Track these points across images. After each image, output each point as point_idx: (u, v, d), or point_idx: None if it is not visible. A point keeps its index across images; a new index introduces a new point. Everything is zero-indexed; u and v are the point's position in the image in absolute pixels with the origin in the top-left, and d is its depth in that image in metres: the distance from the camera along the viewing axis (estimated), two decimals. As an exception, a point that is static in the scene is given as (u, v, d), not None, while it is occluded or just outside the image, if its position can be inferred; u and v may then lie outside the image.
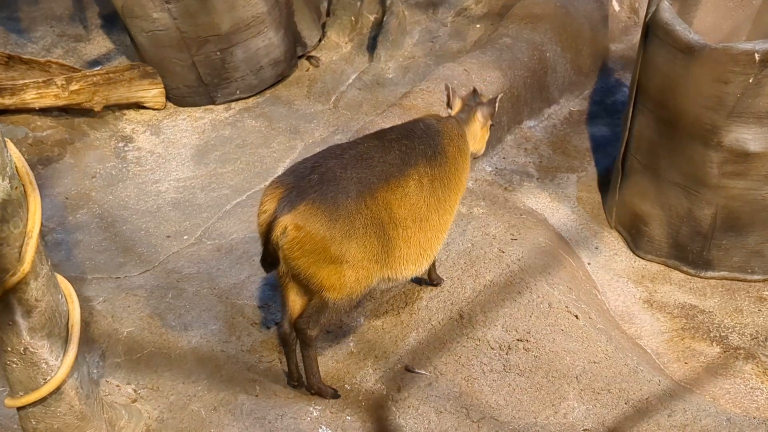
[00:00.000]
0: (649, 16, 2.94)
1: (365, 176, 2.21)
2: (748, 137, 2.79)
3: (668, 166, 3.01)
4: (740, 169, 2.85)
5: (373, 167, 2.23)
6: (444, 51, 4.24)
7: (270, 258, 2.14)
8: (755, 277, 3.08)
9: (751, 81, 2.67)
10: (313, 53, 4.27)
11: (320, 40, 4.33)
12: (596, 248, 3.26)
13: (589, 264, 3.18)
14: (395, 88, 4.03)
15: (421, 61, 4.16)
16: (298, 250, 2.12)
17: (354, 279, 2.22)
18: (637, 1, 4.38)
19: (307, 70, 4.18)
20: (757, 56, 2.63)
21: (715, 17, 3.26)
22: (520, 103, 3.73)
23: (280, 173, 2.28)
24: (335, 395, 2.39)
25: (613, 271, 3.16)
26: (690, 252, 3.11)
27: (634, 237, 3.27)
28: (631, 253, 3.25)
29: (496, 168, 3.55)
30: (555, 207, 3.41)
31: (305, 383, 2.39)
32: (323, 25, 4.40)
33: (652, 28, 2.92)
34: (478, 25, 4.33)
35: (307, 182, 2.14)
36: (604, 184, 3.49)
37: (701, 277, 3.11)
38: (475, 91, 2.66)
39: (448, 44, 4.27)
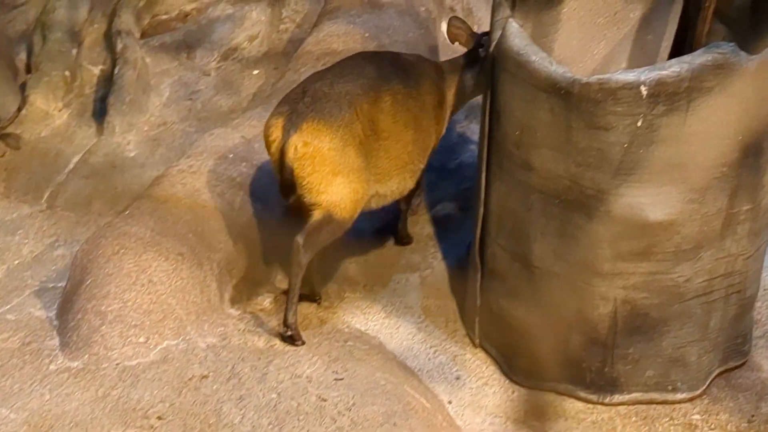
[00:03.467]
0: (493, 44, 3.04)
1: (350, 89, 3.24)
2: (645, 201, 2.90)
3: (544, 252, 3.07)
4: (640, 246, 2.95)
5: (354, 81, 3.27)
6: (209, 111, 4.28)
7: (287, 183, 3.13)
8: (679, 396, 3.17)
9: (640, 124, 2.80)
10: (8, 129, 4.22)
11: (20, 109, 4.29)
12: (457, 378, 3.25)
13: (449, 403, 3.16)
14: (141, 171, 4.01)
15: (177, 129, 4.17)
16: (309, 165, 3.13)
17: (356, 191, 3.23)
18: (476, 23, 4.61)
19: (2, 156, 4.08)
20: (644, 90, 2.76)
21: (582, 39, 3.45)
22: None
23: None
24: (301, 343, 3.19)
25: (485, 410, 3.16)
26: (587, 370, 3.16)
27: (508, 357, 3.29)
28: (507, 381, 3.27)
29: (303, 276, 3.53)
30: (393, 324, 3.40)
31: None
32: (23, 87, 4.36)
33: (499, 61, 3.02)
34: (255, 71, 4.42)
35: (302, 105, 3.17)
36: (458, 285, 3.53)
37: (606, 404, 3.16)
38: (485, 34, 3.48)
39: (215, 101, 4.32)
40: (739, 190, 2.95)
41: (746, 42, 2.99)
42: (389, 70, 3.39)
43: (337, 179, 3.17)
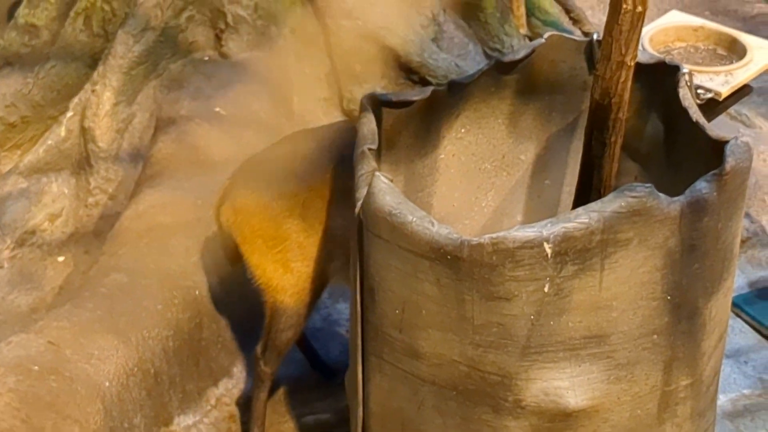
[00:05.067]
0: (359, 204, 2.99)
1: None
2: (563, 385, 2.85)
3: (445, 459, 2.99)
4: (562, 441, 2.90)
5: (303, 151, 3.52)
6: (4, 312, 4.20)
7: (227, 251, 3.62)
8: None
9: (547, 290, 2.76)
10: None
11: None
12: None
13: None
14: None
15: (-38, 338, 4.00)
16: (240, 235, 3.51)
17: (299, 271, 3.48)
18: None
19: None
20: (548, 248, 2.73)
21: (466, 190, 3.48)
22: (162, 387, 3.71)
23: None
24: None
25: None
26: None
27: None
28: None
29: None
30: None
31: None
32: None
33: (368, 225, 2.97)
34: (61, 258, 4.38)
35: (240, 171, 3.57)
36: None
37: None
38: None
39: (11, 299, 4.26)
40: (675, 362, 2.92)
41: (664, 181, 3.03)
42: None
43: (272, 254, 3.45)
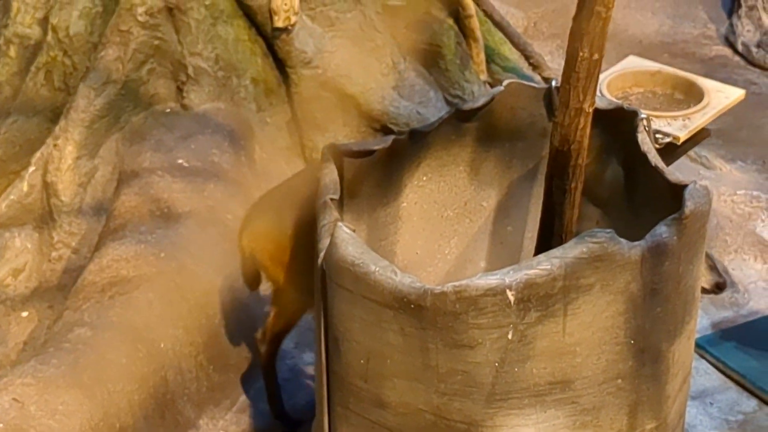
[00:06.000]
0: (321, 255, 3.00)
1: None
2: (529, 431, 2.85)
3: None
4: (531, 490, 2.89)
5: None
6: None
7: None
8: None
9: (510, 337, 2.76)
10: None
11: None
12: None
13: None
14: None
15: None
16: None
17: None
18: None
19: None
20: (511, 295, 2.73)
21: (429, 238, 3.49)
22: None
23: None
24: None
25: None
26: None
27: None
28: None
29: None
30: None
31: None
32: None
33: (331, 276, 2.97)
34: (24, 313, 4.33)
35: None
36: None
37: None
38: None
39: None
40: (640, 405, 2.92)
41: (625, 225, 3.05)
42: None
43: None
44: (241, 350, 4.22)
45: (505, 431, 2.83)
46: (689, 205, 2.90)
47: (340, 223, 2.97)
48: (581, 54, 2.91)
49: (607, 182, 3.42)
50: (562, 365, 2.80)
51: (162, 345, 3.90)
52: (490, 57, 5.48)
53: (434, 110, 4.96)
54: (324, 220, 3.05)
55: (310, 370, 4.16)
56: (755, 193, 5.15)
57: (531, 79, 5.11)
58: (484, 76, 5.35)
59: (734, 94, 4.28)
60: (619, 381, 2.86)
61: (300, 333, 4.15)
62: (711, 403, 4.04)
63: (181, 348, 3.96)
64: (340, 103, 4.86)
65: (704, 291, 3.44)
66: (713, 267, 3.49)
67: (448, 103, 5.11)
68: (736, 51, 6.38)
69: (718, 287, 3.50)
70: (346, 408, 3.03)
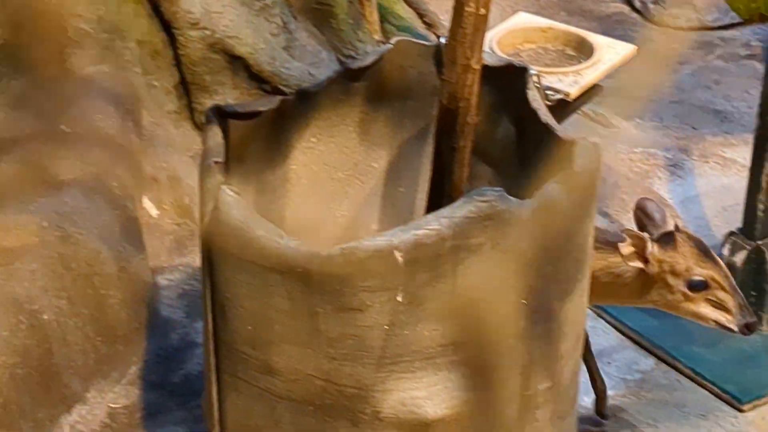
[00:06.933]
0: (206, 219, 2.96)
1: None
2: (421, 395, 2.85)
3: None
4: (423, 453, 2.89)
5: None
6: None
7: None
8: None
9: (400, 299, 2.75)
10: None
11: None
12: None
13: None
14: None
15: None
16: None
17: None
18: (185, 193, 4.61)
19: None
20: (399, 256, 2.72)
21: (320, 201, 3.48)
22: (12, 416, 3.62)
23: None
24: None
25: None
26: None
27: None
28: None
29: None
30: None
31: None
32: None
33: (215, 241, 2.94)
34: None
35: None
36: None
37: None
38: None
39: None
40: (533, 365, 2.93)
41: (516, 184, 3.05)
42: None
43: None
44: (129, 321, 4.19)
45: (396, 395, 2.83)
46: (579, 163, 2.91)
47: (224, 186, 2.92)
48: (467, 9, 2.89)
49: (499, 141, 3.42)
50: (454, 327, 2.80)
51: (45, 316, 3.85)
52: (384, 16, 5.46)
53: (327, 71, 4.91)
54: (207, 183, 3.00)
55: (200, 339, 4.14)
56: (652, 150, 5.22)
57: (425, 39, 5.10)
58: (377, 36, 5.33)
59: (625, 49, 4.32)
60: (511, 341, 2.86)
61: (191, 302, 4.15)
62: (609, 363, 4.08)
63: (65, 319, 3.92)
64: (229, 65, 4.82)
65: (725, 329, 3.33)
66: (743, 305, 3.34)
67: (340, 63, 5.08)
68: (633, 8, 6.43)
69: (748, 328, 3.34)
70: (235, 376, 3.01)
